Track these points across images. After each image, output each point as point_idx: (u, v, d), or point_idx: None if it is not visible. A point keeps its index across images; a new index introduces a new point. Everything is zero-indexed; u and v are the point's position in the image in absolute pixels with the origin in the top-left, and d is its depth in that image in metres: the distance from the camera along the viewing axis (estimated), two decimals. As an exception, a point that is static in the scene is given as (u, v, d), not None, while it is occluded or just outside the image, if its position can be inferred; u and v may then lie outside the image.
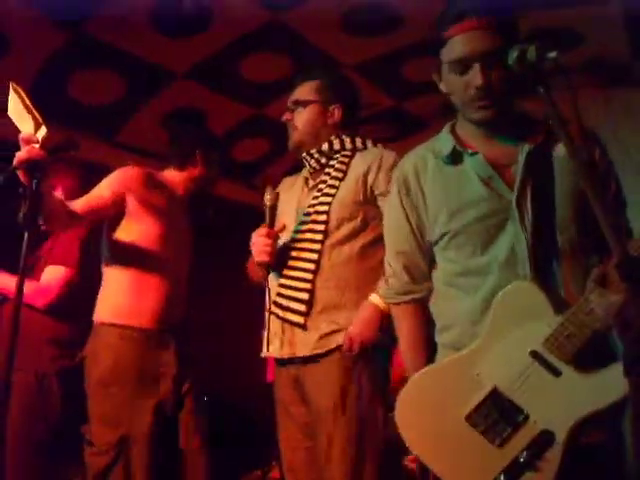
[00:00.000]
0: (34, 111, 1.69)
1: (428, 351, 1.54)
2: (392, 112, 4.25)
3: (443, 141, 1.52)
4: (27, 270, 1.61)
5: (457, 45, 1.37)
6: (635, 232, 1.43)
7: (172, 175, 2.49)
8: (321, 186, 1.97)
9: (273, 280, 1.97)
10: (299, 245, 1.92)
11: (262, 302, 2.08)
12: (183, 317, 2.37)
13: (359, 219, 1.90)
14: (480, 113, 1.39)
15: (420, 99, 4.07)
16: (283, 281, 1.91)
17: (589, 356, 1.28)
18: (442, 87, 1.52)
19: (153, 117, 3.92)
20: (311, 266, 1.87)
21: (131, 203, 2.25)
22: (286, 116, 2.06)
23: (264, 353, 1.98)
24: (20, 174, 1.66)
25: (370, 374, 1.84)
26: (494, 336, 1.36)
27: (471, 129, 1.48)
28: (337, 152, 2.00)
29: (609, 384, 1.25)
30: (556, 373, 1.29)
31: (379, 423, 1.82)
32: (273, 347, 1.94)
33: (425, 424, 1.42)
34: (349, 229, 1.90)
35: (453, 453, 1.37)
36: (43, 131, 1.68)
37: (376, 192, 1.91)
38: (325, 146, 2.01)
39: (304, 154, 2.05)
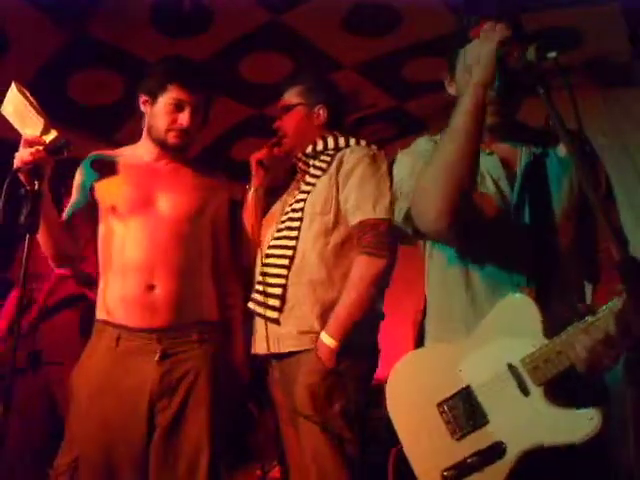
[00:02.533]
0: (44, 114, 1.63)
1: None
2: (392, 112, 4.25)
3: None
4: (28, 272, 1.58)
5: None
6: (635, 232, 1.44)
7: None
8: (300, 184, 2.01)
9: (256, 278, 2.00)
10: (277, 243, 1.94)
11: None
12: (194, 319, 1.90)
13: (331, 215, 1.89)
14: (489, 118, 1.38)
15: (420, 99, 4.07)
16: (260, 278, 1.93)
17: (565, 389, 1.26)
18: (451, 89, 1.51)
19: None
20: (285, 262, 1.87)
21: (97, 189, 1.99)
22: (276, 124, 2.10)
23: (252, 350, 1.98)
24: (22, 176, 1.61)
25: (343, 381, 1.79)
26: (483, 338, 1.37)
27: None
28: (321, 152, 2.01)
29: (571, 425, 1.24)
30: (525, 392, 1.29)
31: (347, 428, 1.76)
32: (254, 345, 1.95)
33: (406, 397, 1.48)
34: (321, 225, 1.88)
35: (420, 433, 1.42)
36: (52, 134, 1.63)
37: (340, 185, 1.90)
38: (310, 148, 2.03)
39: (294, 158, 2.09)
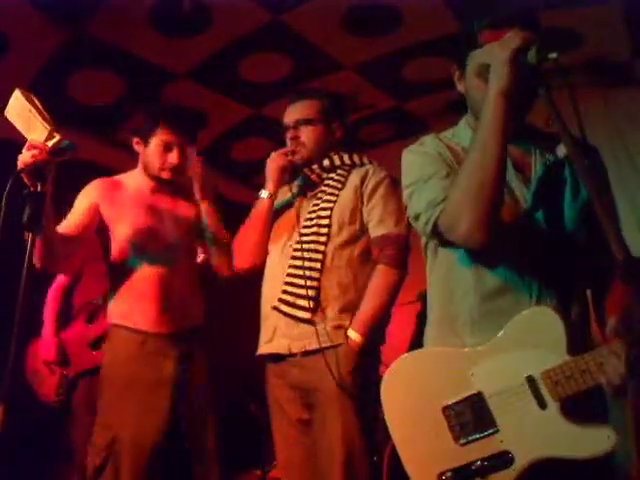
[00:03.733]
0: (50, 120, 1.65)
1: None
2: (392, 112, 4.26)
3: (464, 138, 1.48)
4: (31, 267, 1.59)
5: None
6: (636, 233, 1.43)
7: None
8: (320, 195, 2.13)
9: (273, 281, 2.09)
10: (304, 246, 2.04)
11: (258, 302, 2.14)
12: (193, 324, 2.29)
13: (357, 224, 2.07)
14: None
15: (420, 99, 4.08)
16: (289, 279, 2.03)
17: (581, 404, 1.25)
18: (460, 86, 1.48)
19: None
20: (317, 265, 2.02)
21: (105, 212, 2.23)
22: (291, 133, 2.17)
23: (263, 350, 2.08)
24: (24, 178, 1.63)
25: (367, 372, 1.98)
26: (502, 346, 1.35)
27: None
28: (337, 167, 2.16)
29: (587, 441, 1.24)
30: (541, 405, 1.28)
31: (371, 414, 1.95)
32: (271, 345, 2.04)
33: (404, 398, 1.46)
34: (349, 233, 2.06)
35: (417, 435, 1.41)
36: (56, 138, 1.64)
37: (365, 199, 2.09)
38: (326, 162, 2.17)
39: (305, 168, 2.19)
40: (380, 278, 2.00)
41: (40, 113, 1.65)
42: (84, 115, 3.67)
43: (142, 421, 2.10)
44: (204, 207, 2.29)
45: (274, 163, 2.16)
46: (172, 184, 2.33)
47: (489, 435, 1.32)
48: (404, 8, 3.10)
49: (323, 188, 2.14)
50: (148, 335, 2.18)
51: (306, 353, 1.96)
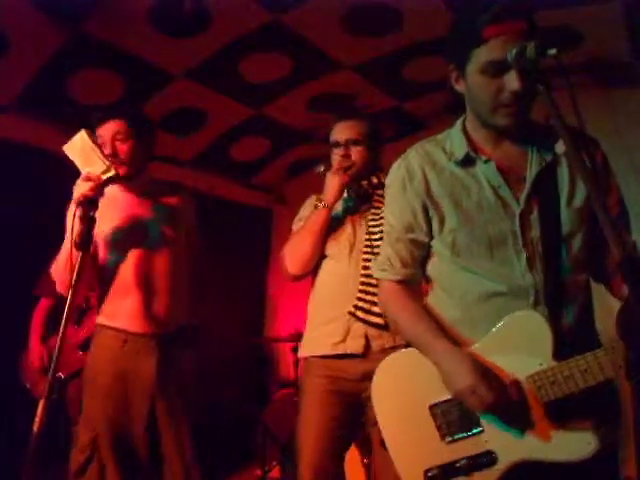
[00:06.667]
0: (107, 156, 2.01)
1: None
2: (392, 112, 4.26)
3: (455, 142, 1.49)
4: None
5: (497, 46, 1.29)
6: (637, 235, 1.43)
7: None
8: (378, 205, 2.27)
9: (342, 287, 2.22)
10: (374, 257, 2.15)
11: (261, 301, 2.15)
12: (176, 324, 2.30)
13: None
14: (507, 119, 1.35)
15: (420, 99, 4.08)
16: (364, 288, 2.15)
17: (566, 408, 1.27)
18: (458, 87, 1.45)
19: (152, 117, 3.92)
20: None
21: None
22: (342, 151, 2.32)
23: (337, 350, 2.15)
24: (81, 206, 1.90)
25: None
26: (490, 349, 1.36)
27: (483, 131, 1.45)
28: (382, 185, 2.23)
29: (569, 445, 1.26)
30: (527, 408, 1.29)
31: None
32: (345, 345, 2.15)
33: (393, 396, 1.49)
34: None
35: (405, 432, 1.44)
36: (111, 172, 1.95)
37: None
38: (375, 179, 2.34)
39: (368, 186, 2.34)
40: None
41: (102, 151, 1.99)
42: (84, 115, 3.66)
43: (122, 419, 2.15)
44: None
45: (337, 179, 2.28)
46: (135, 181, 2.33)
47: (474, 435, 1.34)
48: (404, 8, 3.09)
49: (377, 204, 2.28)
50: (129, 334, 2.21)
51: (382, 351, 2.05)
